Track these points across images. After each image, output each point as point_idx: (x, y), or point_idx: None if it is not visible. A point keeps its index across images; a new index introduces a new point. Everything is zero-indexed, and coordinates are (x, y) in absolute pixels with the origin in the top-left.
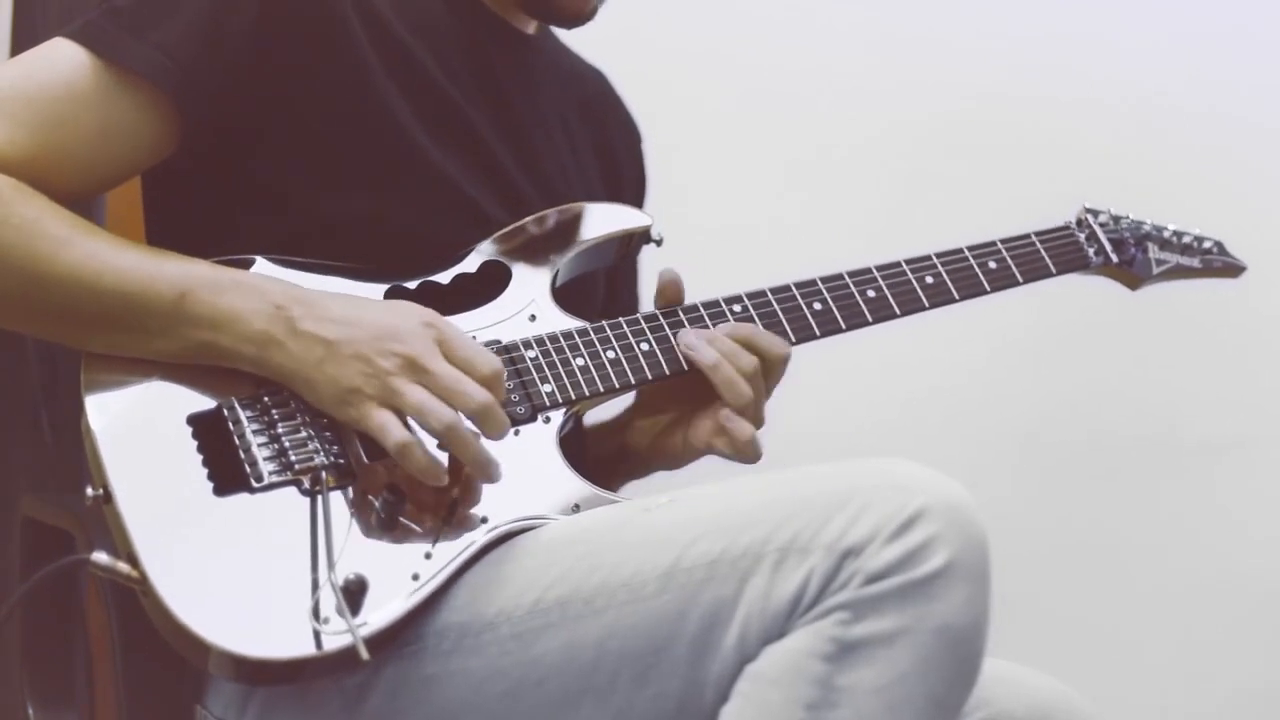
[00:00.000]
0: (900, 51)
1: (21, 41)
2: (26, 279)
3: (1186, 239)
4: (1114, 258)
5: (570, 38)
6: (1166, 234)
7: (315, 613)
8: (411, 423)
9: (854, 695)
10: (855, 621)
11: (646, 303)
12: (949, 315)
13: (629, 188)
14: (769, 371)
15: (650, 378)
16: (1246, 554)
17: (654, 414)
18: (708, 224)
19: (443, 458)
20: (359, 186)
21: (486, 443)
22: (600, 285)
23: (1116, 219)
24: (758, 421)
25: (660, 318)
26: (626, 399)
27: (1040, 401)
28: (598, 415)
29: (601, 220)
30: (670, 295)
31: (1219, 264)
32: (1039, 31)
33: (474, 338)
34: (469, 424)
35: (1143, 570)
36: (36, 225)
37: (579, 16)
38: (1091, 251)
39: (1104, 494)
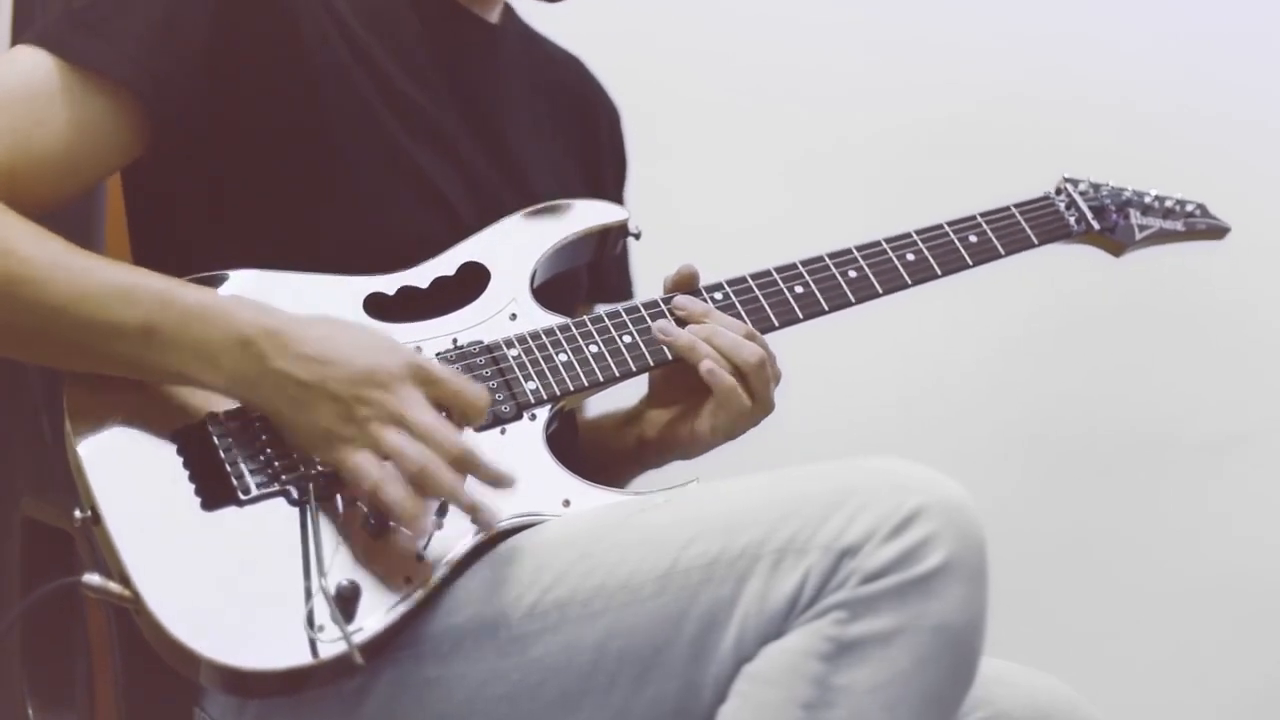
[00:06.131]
0: (894, 51)
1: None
2: None
3: (1169, 203)
4: (1095, 225)
5: (565, 34)
6: (1148, 199)
7: (309, 621)
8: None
9: (851, 694)
10: (852, 621)
11: (639, 287)
12: (946, 313)
13: (609, 170)
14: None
15: (634, 370)
16: (1247, 553)
17: (665, 405)
18: (698, 221)
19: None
20: (324, 182)
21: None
22: (582, 280)
23: (1096, 186)
24: (765, 407)
25: (641, 309)
26: (639, 391)
27: (1039, 400)
28: (612, 407)
29: (578, 216)
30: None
31: (1202, 226)
32: (1035, 31)
33: (454, 340)
34: (447, 470)
35: (1143, 570)
36: (6, 245)
37: None
38: (1073, 220)
39: (1103, 493)
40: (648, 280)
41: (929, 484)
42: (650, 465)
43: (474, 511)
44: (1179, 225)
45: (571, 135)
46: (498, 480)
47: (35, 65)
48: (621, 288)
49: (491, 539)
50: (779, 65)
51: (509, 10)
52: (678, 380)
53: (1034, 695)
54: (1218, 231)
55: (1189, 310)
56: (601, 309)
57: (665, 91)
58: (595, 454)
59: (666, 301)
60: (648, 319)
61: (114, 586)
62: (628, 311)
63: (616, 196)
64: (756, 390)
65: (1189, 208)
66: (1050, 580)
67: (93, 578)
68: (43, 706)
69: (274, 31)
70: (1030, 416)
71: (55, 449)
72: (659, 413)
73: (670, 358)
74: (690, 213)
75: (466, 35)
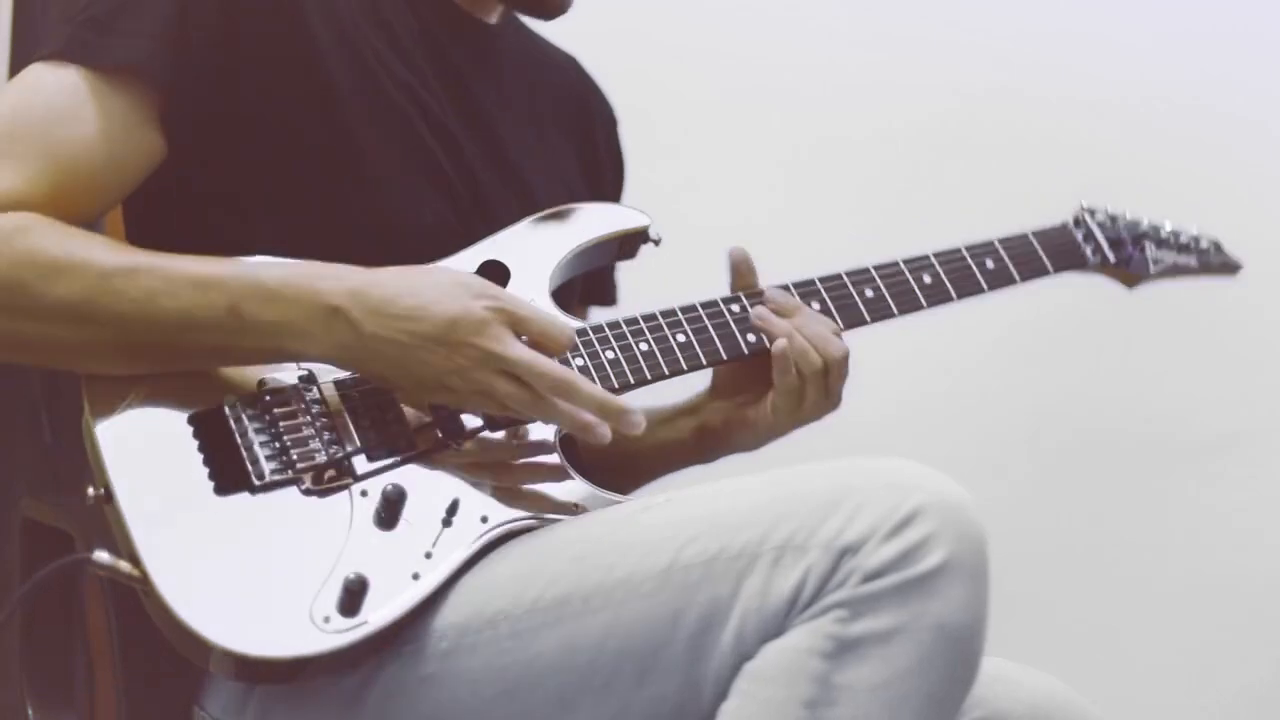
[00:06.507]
0: (897, 49)
1: (21, 41)
2: (73, 317)
3: (1183, 238)
4: (1111, 257)
5: (563, 34)
6: (1163, 233)
7: (316, 611)
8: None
9: (852, 693)
10: (853, 619)
11: (641, 287)
12: (947, 313)
13: (608, 174)
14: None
15: (650, 378)
16: (1247, 553)
17: (730, 395)
18: (704, 222)
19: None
20: (334, 172)
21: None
22: (578, 285)
23: (1113, 218)
24: (835, 402)
25: (659, 318)
26: (703, 382)
27: (1039, 400)
28: (668, 399)
29: (600, 220)
30: (744, 273)
31: (1216, 263)
32: (1036, 29)
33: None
34: (555, 399)
35: (1143, 569)
36: (72, 259)
37: (558, 9)
38: (1089, 250)
39: (1103, 492)
40: (648, 281)
41: (929, 483)
42: (707, 458)
43: (586, 430)
44: (1193, 261)
45: (570, 139)
46: (604, 407)
47: (54, 81)
48: (608, 293)
49: (496, 538)
50: (779, 64)
51: (508, 11)
52: (743, 372)
53: (1033, 695)
54: (1230, 268)
55: (1189, 310)
56: (621, 317)
57: (664, 91)
58: (635, 445)
59: (752, 298)
60: (665, 328)
61: (123, 565)
62: (645, 319)
63: (615, 200)
64: (832, 385)
65: (1203, 244)
66: (1050, 580)
67: (102, 555)
68: (43, 706)
69: (283, 26)
70: (1031, 416)
71: (55, 449)
72: (723, 403)
73: (685, 368)
74: (689, 213)
75: (465, 38)
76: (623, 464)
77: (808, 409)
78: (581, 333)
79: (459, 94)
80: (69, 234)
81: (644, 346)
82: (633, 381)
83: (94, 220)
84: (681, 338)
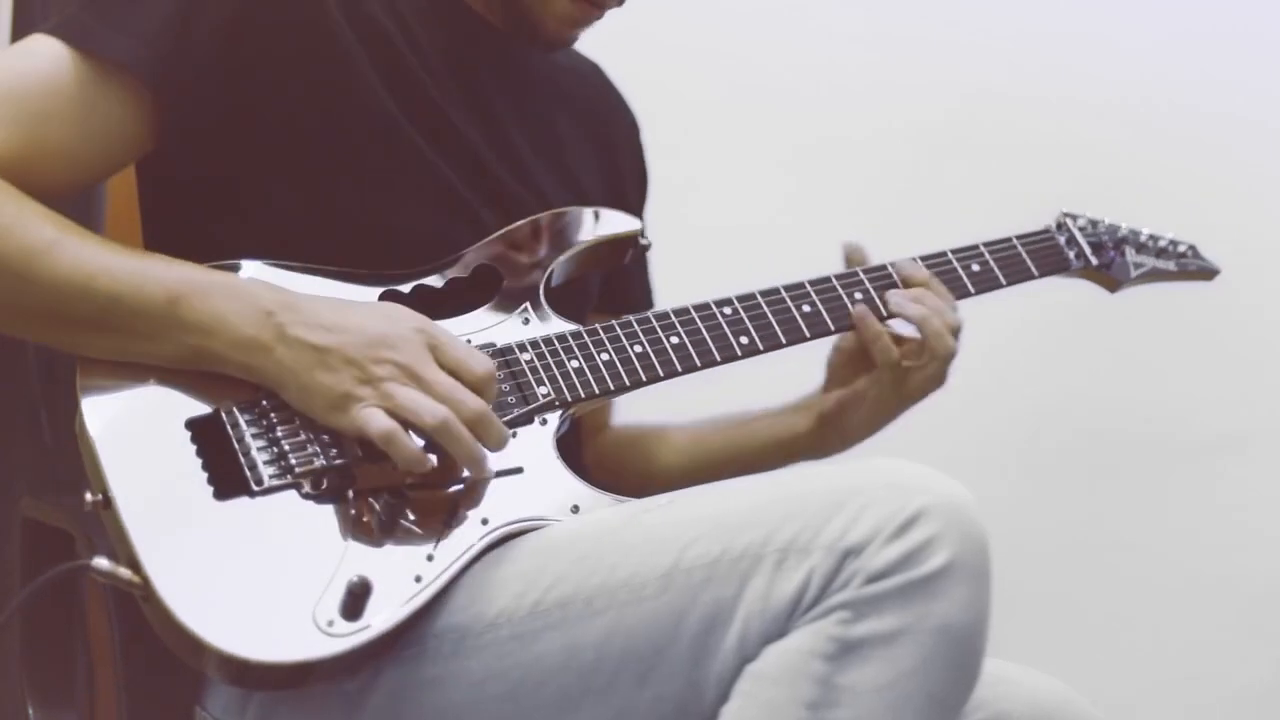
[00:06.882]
0: (897, 49)
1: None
2: (15, 280)
3: (1162, 243)
4: (1093, 260)
5: None
6: (1143, 237)
7: (319, 616)
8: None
9: (855, 694)
10: (856, 621)
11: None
12: None
13: (631, 181)
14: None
15: (645, 380)
16: (1246, 553)
17: (845, 384)
18: (705, 223)
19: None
20: (343, 184)
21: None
22: (592, 289)
23: (1094, 223)
24: (940, 379)
25: (652, 320)
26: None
27: (1040, 401)
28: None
29: (591, 225)
30: (852, 257)
31: (1193, 267)
32: (1036, 29)
33: (468, 340)
34: (463, 427)
35: (1143, 570)
36: (25, 225)
37: (561, 43)
38: (1072, 255)
39: (1104, 493)
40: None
41: (932, 484)
42: (829, 448)
43: (480, 465)
44: (1171, 265)
45: (591, 148)
46: (502, 443)
47: (50, 55)
48: (642, 298)
49: (497, 539)
50: (779, 64)
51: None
52: (858, 358)
53: (1035, 695)
54: (1208, 273)
55: (1190, 310)
56: (615, 320)
57: (664, 91)
58: (742, 447)
59: (679, 313)
60: (658, 330)
61: (123, 572)
62: (639, 322)
63: (638, 210)
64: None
65: (1181, 248)
66: (1051, 580)
67: (102, 562)
68: (43, 706)
69: (295, 29)
70: (1031, 416)
71: (55, 449)
72: (840, 392)
73: (679, 370)
74: (690, 213)
75: (486, 48)
76: (723, 461)
77: (913, 389)
78: (608, 329)
79: (478, 104)
80: (24, 198)
81: (574, 364)
82: (627, 384)
83: (60, 198)
84: (605, 356)
